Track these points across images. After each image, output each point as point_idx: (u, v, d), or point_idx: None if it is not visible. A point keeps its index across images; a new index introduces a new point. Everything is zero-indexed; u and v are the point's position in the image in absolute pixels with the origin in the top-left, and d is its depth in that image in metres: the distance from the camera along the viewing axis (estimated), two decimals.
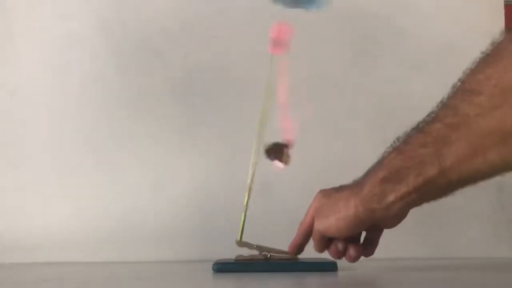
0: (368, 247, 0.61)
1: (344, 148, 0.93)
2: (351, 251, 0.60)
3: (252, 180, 0.68)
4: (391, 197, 0.52)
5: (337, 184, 0.89)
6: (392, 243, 0.89)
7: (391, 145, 0.54)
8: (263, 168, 0.92)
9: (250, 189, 0.68)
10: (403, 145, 0.52)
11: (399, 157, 0.52)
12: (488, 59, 0.45)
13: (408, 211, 0.54)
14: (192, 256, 0.85)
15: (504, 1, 0.98)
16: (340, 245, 0.60)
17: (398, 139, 0.54)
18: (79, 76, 0.93)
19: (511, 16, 0.98)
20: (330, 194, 0.60)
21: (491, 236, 0.92)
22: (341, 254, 0.61)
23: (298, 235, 0.63)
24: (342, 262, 0.66)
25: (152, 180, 0.91)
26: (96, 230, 0.88)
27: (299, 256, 0.66)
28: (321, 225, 0.59)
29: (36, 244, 0.86)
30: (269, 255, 0.66)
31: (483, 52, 0.46)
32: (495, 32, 0.98)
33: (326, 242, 0.61)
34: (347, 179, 0.91)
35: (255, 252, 0.66)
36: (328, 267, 0.64)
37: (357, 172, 0.91)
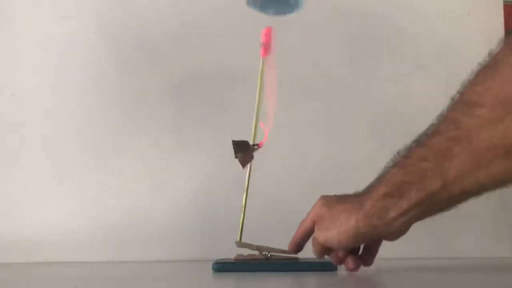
0: (367, 257, 0.61)
1: (344, 148, 0.93)
2: (350, 263, 0.59)
3: (249, 181, 0.68)
4: (392, 213, 0.52)
5: (336, 185, 0.88)
6: (392, 243, 0.90)
7: (392, 159, 0.53)
8: (263, 168, 0.92)
9: (247, 190, 0.68)
10: (404, 159, 0.51)
11: (401, 172, 0.51)
12: (487, 71, 0.45)
13: (410, 226, 0.54)
14: (192, 256, 0.85)
15: (504, 1, 0.98)
16: (340, 254, 0.60)
17: (398, 153, 0.53)
18: (79, 76, 0.93)
19: (510, 16, 0.98)
20: (332, 204, 0.59)
21: (491, 236, 0.92)
22: (341, 262, 0.61)
23: (298, 233, 0.63)
24: None
25: (152, 180, 0.91)
26: (96, 230, 0.88)
27: (299, 256, 0.66)
28: (322, 236, 0.58)
29: (36, 244, 0.86)
30: (269, 255, 0.66)
31: (481, 64, 0.46)
32: (495, 32, 0.98)
33: (326, 250, 0.60)
34: (346, 180, 0.91)
35: (255, 252, 0.66)
36: (328, 267, 0.64)
37: (357, 172, 0.92)
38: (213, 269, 0.64)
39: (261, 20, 0.91)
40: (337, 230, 0.56)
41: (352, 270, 0.60)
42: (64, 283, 0.60)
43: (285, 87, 0.94)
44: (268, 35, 0.68)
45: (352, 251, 0.60)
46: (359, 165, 0.91)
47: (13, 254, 0.86)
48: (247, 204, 0.69)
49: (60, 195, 0.90)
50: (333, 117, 0.94)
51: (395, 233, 0.55)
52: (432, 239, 0.91)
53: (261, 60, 0.68)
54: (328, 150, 0.93)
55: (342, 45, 0.96)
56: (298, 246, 0.63)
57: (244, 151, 0.66)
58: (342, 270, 0.64)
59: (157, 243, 0.88)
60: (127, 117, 0.92)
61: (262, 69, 0.68)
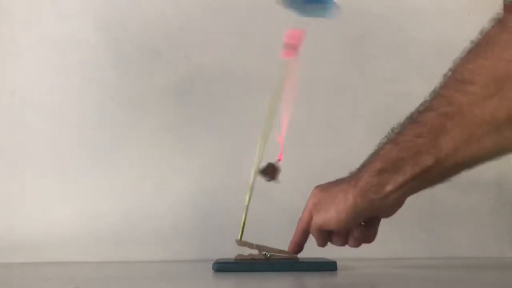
0: (369, 234, 0.62)
1: (344, 148, 0.93)
2: (355, 232, 0.60)
3: (254, 181, 0.68)
4: (389, 187, 0.53)
5: None
6: (392, 243, 0.90)
7: (386, 136, 0.55)
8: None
9: (251, 190, 0.68)
10: (398, 136, 0.53)
11: (395, 148, 0.52)
12: (479, 49, 0.46)
13: (405, 199, 0.55)
14: (192, 255, 0.85)
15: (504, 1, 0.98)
16: (342, 231, 0.61)
17: (393, 130, 0.55)
18: (79, 76, 0.93)
19: None
20: (327, 188, 0.60)
21: (491, 236, 0.92)
22: (344, 241, 0.61)
23: (297, 233, 0.63)
24: (342, 262, 0.66)
25: (152, 180, 0.91)
26: (96, 230, 0.88)
27: (299, 256, 0.66)
28: (320, 219, 0.59)
29: (36, 244, 0.86)
30: (269, 255, 0.66)
31: (473, 41, 0.47)
32: None
33: (326, 235, 0.61)
34: None
35: (255, 252, 0.66)
36: (328, 267, 0.64)
37: None
38: (213, 269, 0.64)
39: (261, 20, 0.92)
40: (336, 209, 0.57)
41: (357, 240, 0.61)
42: (64, 283, 0.59)
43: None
44: (294, 36, 0.67)
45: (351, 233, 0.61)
46: (359, 164, 0.91)
47: (13, 254, 0.86)
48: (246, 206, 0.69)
49: (60, 195, 0.90)
50: (333, 117, 0.94)
51: (391, 207, 0.56)
52: (432, 239, 0.91)
53: (284, 61, 0.66)
54: (328, 150, 0.93)
55: (342, 45, 0.96)
56: (299, 245, 0.64)
57: (272, 174, 0.67)
58: (342, 270, 0.64)
59: (157, 243, 0.88)
60: (127, 117, 0.92)
61: (283, 72, 0.67)
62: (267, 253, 0.66)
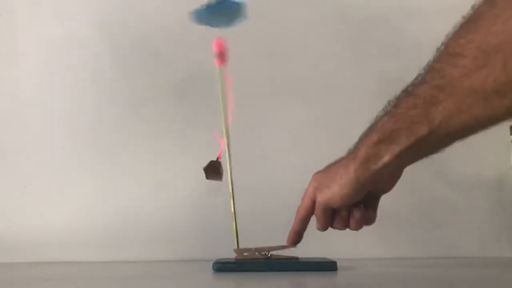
0: (369, 215, 0.63)
1: (344, 148, 0.93)
2: (355, 213, 0.62)
3: (233, 188, 0.68)
4: (386, 158, 0.55)
5: None
6: (392, 243, 0.90)
7: (383, 109, 0.58)
8: (263, 169, 0.92)
9: (233, 197, 0.68)
10: (394, 108, 0.55)
11: (391, 120, 0.55)
12: (470, 24, 0.48)
13: (402, 170, 0.58)
14: (192, 255, 0.85)
15: None
16: (344, 213, 0.62)
17: (389, 103, 0.57)
18: (79, 76, 0.93)
19: None
20: (326, 169, 0.62)
21: (491, 235, 0.92)
22: (346, 223, 0.63)
23: (296, 221, 0.64)
24: (342, 262, 0.66)
25: (152, 180, 0.91)
26: (96, 230, 0.88)
27: (299, 255, 0.66)
28: (325, 196, 0.60)
29: (36, 244, 0.86)
30: (269, 255, 0.66)
31: (464, 17, 0.49)
32: None
33: (329, 216, 0.62)
34: None
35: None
36: (328, 267, 0.64)
37: None
38: (213, 269, 0.64)
39: (261, 20, 0.92)
40: (338, 184, 0.59)
41: (358, 222, 0.62)
42: (64, 283, 0.59)
43: (285, 87, 0.95)
44: (221, 45, 0.70)
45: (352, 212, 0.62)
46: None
47: (13, 254, 0.86)
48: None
49: (60, 195, 0.90)
50: (333, 117, 0.94)
51: (390, 180, 0.59)
52: (432, 239, 0.91)
53: (218, 70, 0.70)
54: (329, 150, 0.92)
55: (342, 45, 0.96)
56: (299, 234, 0.64)
57: (216, 171, 0.69)
58: (342, 270, 0.64)
59: (157, 243, 0.88)
60: (127, 117, 0.92)
61: (220, 78, 0.71)
62: (267, 253, 0.66)
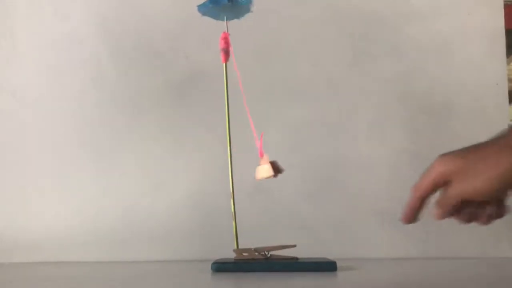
0: (501, 209, 0.55)
1: (344, 148, 0.93)
2: (490, 208, 0.54)
3: (233, 188, 0.68)
4: None
5: (337, 184, 0.89)
6: (392, 243, 0.90)
7: None
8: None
9: (233, 197, 0.68)
10: None
11: None
12: None
13: None
14: (192, 256, 0.85)
15: (504, 1, 0.98)
16: (475, 205, 0.54)
17: None
18: (79, 76, 0.93)
19: (511, 16, 0.98)
20: (463, 155, 0.52)
21: (491, 236, 0.92)
22: (474, 217, 0.55)
23: (415, 199, 0.55)
24: (342, 262, 0.66)
25: (152, 180, 0.91)
26: (96, 230, 0.88)
27: (299, 256, 0.66)
28: (467, 188, 0.51)
29: (36, 244, 0.86)
30: (268, 255, 0.66)
31: None
32: (495, 32, 0.98)
33: (458, 208, 0.54)
34: (346, 179, 0.92)
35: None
36: (328, 267, 0.64)
37: (357, 172, 0.92)
38: (212, 269, 0.64)
39: (261, 20, 0.92)
40: (487, 176, 0.50)
41: (489, 218, 0.54)
42: (64, 283, 0.59)
43: (285, 87, 0.95)
44: (227, 40, 0.71)
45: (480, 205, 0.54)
46: (359, 164, 0.91)
47: (13, 254, 0.86)
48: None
49: (59, 195, 0.90)
50: (333, 116, 0.94)
51: None
52: (432, 239, 0.90)
53: (224, 65, 0.71)
54: (328, 150, 0.93)
55: (342, 45, 0.96)
56: (416, 213, 0.55)
57: (278, 169, 0.69)
58: (342, 270, 0.64)
59: (157, 243, 0.88)
60: (127, 117, 0.93)
61: (225, 74, 0.71)
62: (266, 253, 0.66)
